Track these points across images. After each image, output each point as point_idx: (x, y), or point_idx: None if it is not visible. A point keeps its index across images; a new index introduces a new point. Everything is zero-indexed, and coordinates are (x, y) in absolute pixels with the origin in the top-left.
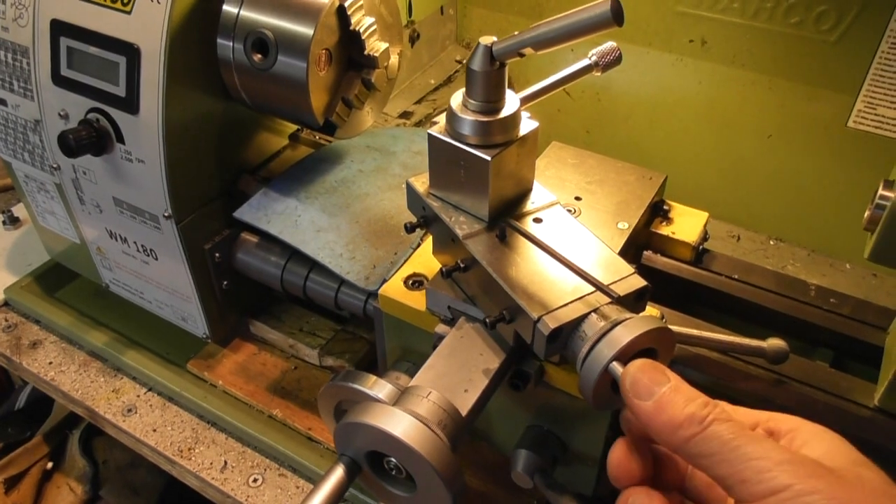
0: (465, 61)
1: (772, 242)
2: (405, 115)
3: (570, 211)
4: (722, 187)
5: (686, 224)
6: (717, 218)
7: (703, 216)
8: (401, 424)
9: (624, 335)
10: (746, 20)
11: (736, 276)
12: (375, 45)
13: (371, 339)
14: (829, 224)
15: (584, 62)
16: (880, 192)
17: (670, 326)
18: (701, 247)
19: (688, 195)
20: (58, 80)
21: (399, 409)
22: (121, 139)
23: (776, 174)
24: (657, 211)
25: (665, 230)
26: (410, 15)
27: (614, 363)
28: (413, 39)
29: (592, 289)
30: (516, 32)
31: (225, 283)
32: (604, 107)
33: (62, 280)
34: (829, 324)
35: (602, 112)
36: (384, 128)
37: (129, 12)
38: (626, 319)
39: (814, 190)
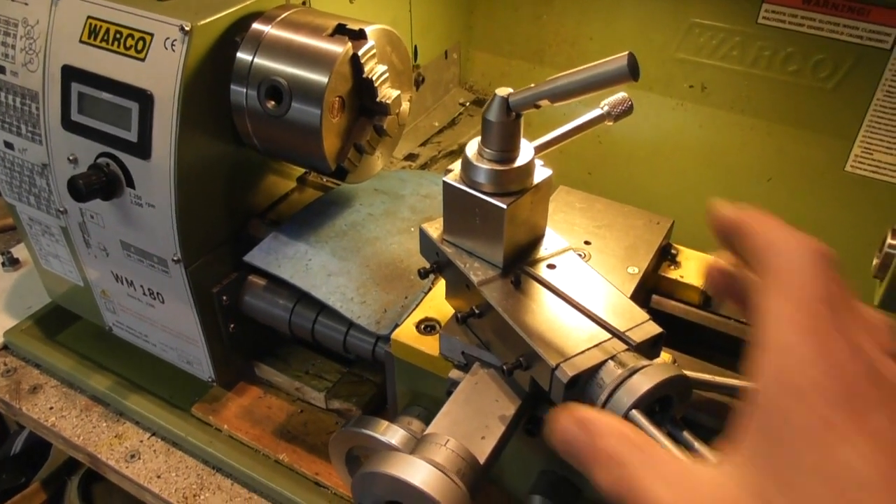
0: (468, 104)
1: None
2: (410, 157)
3: (580, 255)
4: None
5: (693, 268)
6: None
7: (710, 259)
8: (420, 473)
9: (643, 383)
10: (745, 67)
11: (744, 320)
12: (387, 93)
13: (377, 381)
14: None
15: (597, 112)
16: (888, 240)
17: (686, 372)
18: None
19: (689, 237)
20: (68, 124)
21: (418, 458)
22: (131, 184)
23: (778, 217)
24: (665, 255)
25: (673, 274)
26: (416, 59)
27: (634, 411)
28: (418, 83)
29: (609, 336)
30: (532, 84)
31: (232, 326)
32: (605, 149)
33: (63, 323)
34: None
35: (604, 154)
36: (391, 171)
37: (142, 59)
38: (644, 367)
39: (815, 233)
